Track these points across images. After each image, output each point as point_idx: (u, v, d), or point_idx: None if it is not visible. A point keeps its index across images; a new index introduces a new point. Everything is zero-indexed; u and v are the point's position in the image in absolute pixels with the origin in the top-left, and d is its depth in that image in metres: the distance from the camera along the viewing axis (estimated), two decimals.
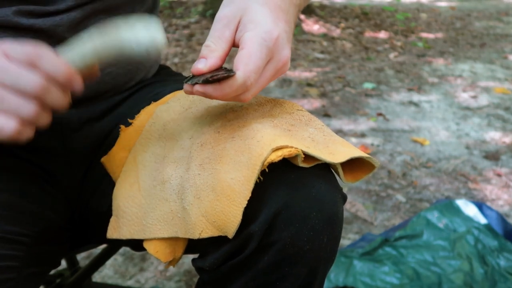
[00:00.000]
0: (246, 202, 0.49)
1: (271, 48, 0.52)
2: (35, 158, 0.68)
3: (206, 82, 0.51)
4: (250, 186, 0.49)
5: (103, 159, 0.67)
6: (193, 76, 0.53)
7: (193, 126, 0.60)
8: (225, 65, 0.54)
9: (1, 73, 0.48)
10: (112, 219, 0.62)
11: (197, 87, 0.52)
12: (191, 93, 0.53)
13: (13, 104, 0.48)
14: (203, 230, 0.51)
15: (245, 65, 0.50)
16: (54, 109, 0.52)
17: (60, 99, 0.51)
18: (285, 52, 0.54)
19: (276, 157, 0.49)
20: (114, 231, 0.61)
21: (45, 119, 0.51)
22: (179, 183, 0.55)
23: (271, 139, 0.50)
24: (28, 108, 0.49)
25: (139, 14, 0.75)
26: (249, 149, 0.50)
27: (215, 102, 0.63)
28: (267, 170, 0.50)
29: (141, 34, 0.51)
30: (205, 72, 0.52)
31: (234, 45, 0.54)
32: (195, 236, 0.51)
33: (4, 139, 0.49)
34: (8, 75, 0.48)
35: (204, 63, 0.52)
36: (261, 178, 0.49)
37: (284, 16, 0.56)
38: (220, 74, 0.50)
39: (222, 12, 0.55)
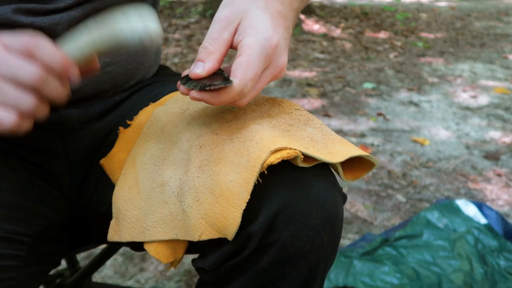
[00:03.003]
0: (245, 204, 0.49)
1: (270, 55, 0.52)
2: (35, 158, 0.68)
3: (203, 89, 0.51)
4: (249, 188, 0.49)
5: (102, 161, 0.67)
6: (190, 79, 0.53)
7: (191, 127, 0.60)
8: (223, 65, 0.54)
9: (0, 64, 0.48)
10: (112, 222, 0.62)
11: (194, 94, 0.52)
12: (187, 95, 0.53)
13: (12, 96, 0.49)
14: (202, 233, 0.51)
15: (243, 73, 0.50)
16: (53, 101, 0.52)
17: (58, 90, 0.51)
18: (283, 59, 0.54)
19: (275, 159, 0.49)
20: (115, 234, 0.61)
21: (44, 111, 0.52)
22: (178, 186, 0.55)
23: (269, 141, 0.50)
24: (27, 100, 0.49)
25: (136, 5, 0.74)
26: (248, 151, 0.50)
27: None
28: (266, 173, 0.50)
29: (134, 22, 0.51)
30: (203, 77, 0.52)
31: (232, 47, 0.54)
32: (195, 238, 0.51)
33: (3, 132, 0.50)
34: (6, 66, 0.49)
35: (202, 68, 0.52)
36: (260, 181, 0.49)
37: (284, 22, 0.56)
38: (218, 85, 0.49)
39: (222, 13, 0.54)
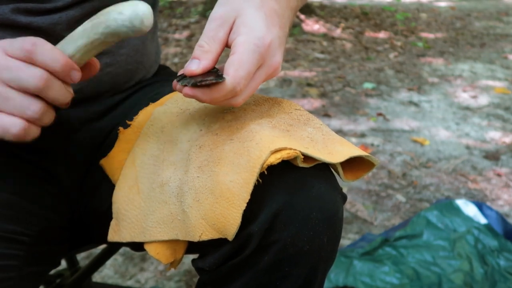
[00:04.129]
0: (245, 204, 0.49)
1: (263, 54, 0.52)
2: (35, 158, 0.68)
3: (195, 85, 0.51)
4: (249, 188, 0.49)
5: (102, 162, 0.67)
6: (184, 76, 0.53)
7: (191, 128, 0.60)
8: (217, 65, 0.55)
9: (3, 71, 0.49)
10: (112, 222, 0.62)
11: (186, 90, 0.52)
12: (181, 92, 0.53)
13: (18, 103, 0.49)
14: (203, 233, 0.51)
15: (235, 71, 0.50)
16: (58, 103, 0.52)
17: (62, 92, 0.52)
18: (277, 58, 0.54)
19: (275, 159, 0.49)
20: (115, 234, 0.61)
21: (50, 116, 0.52)
22: (178, 186, 0.54)
23: (269, 141, 0.50)
24: (33, 105, 0.50)
25: None
26: (248, 152, 0.50)
27: None
28: (266, 173, 0.49)
29: (123, 6, 0.51)
30: (197, 74, 0.52)
31: (227, 45, 0.54)
32: (195, 238, 0.51)
33: (12, 139, 0.50)
34: (9, 72, 0.49)
35: (197, 65, 0.52)
36: (260, 181, 0.49)
37: (279, 21, 0.56)
38: (209, 80, 0.50)
39: (217, 12, 0.54)
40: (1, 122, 0.49)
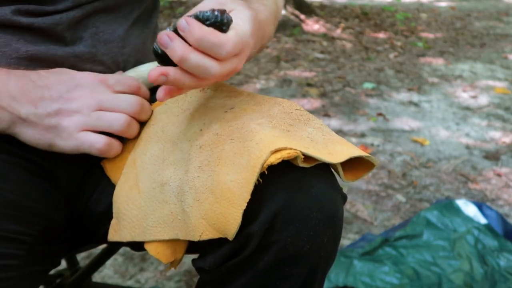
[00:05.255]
0: (246, 204, 0.49)
1: (243, 46, 0.54)
2: (36, 158, 0.68)
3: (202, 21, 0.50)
4: (250, 188, 0.49)
5: (102, 162, 0.67)
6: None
7: (192, 128, 0.60)
8: None
9: (108, 101, 0.61)
10: (113, 222, 0.62)
11: (186, 18, 0.50)
12: (167, 38, 0.50)
13: (107, 119, 0.60)
14: (203, 232, 0.51)
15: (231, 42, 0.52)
16: (142, 121, 0.64)
17: (148, 114, 0.65)
18: (243, 61, 0.56)
19: (275, 159, 0.49)
20: (115, 234, 0.61)
21: (135, 129, 0.63)
22: (178, 185, 0.55)
23: (270, 141, 0.50)
24: (120, 120, 0.60)
25: (139, 13, 0.75)
26: (248, 151, 0.50)
27: (213, 103, 0.63)
28: (266, 173, 0.50)
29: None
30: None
31: None
32: (195, 238, 0.51)
33: (97, 154, 0.61)
34: (108, 98, 0.61)
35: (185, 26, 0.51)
36: (260, 180, 0.49)
37: (257, 40, 0.60)
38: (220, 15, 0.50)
39: None
40: (88, 138, 0.60)
